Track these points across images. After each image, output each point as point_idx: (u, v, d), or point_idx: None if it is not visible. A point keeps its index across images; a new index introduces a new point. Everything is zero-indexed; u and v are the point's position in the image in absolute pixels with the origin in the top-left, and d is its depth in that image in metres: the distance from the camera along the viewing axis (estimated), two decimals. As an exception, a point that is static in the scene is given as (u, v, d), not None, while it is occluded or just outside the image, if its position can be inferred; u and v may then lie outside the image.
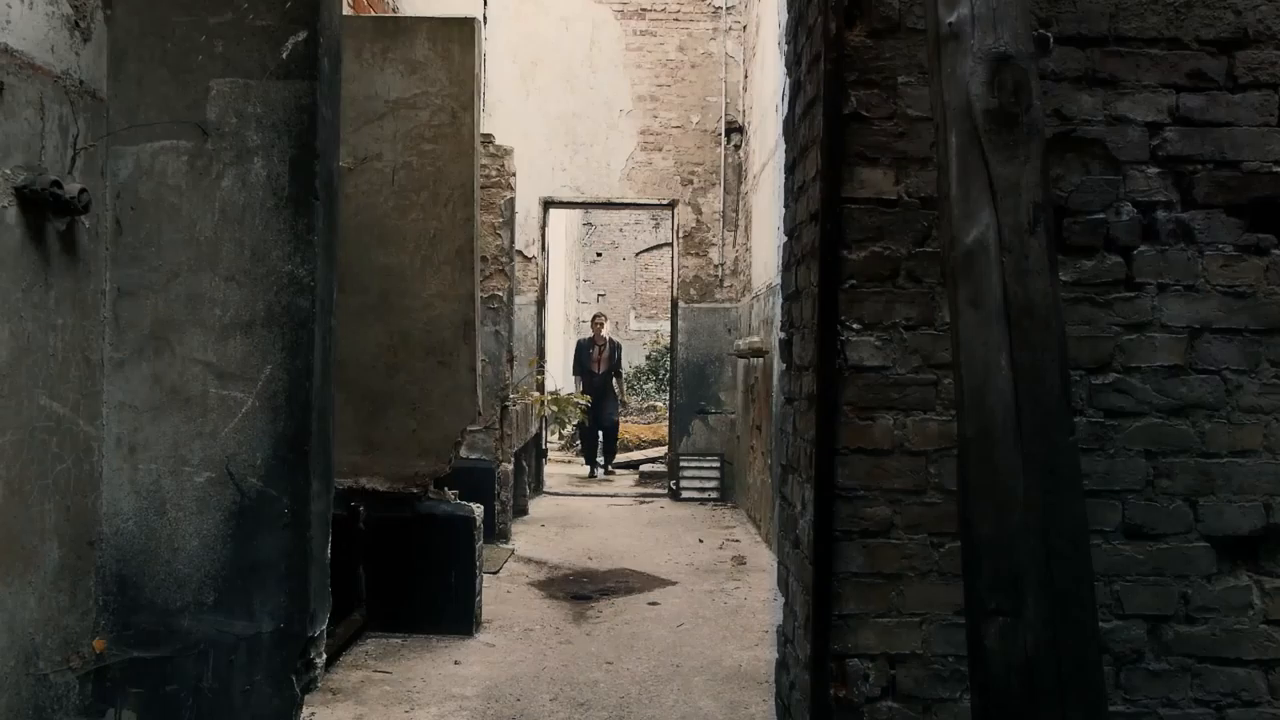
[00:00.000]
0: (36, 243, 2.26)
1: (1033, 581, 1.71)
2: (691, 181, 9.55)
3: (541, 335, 9.63)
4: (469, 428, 4.66)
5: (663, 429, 12.31)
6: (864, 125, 2.54)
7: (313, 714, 3.51)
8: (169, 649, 2.57)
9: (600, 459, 11.16)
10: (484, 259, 6.31)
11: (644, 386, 16.53)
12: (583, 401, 10.54)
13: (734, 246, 9.50)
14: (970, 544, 1.80)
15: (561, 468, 11.68)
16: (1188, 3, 2.54)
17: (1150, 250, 2.54)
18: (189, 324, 2.59)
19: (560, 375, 13.48)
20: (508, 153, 6.83)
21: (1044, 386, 1.76)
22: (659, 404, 14.98)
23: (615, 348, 11.67)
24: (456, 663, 4.21)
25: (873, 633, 2.53)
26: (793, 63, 3.01)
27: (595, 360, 11.38)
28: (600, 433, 11.27)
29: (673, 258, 9.81)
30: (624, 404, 13.00)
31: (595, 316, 11.94)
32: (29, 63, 2.24)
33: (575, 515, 8.39)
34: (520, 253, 8.97)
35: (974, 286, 1.79)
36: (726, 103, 9.48)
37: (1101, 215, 2.54)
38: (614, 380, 11.55)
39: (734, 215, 9.50)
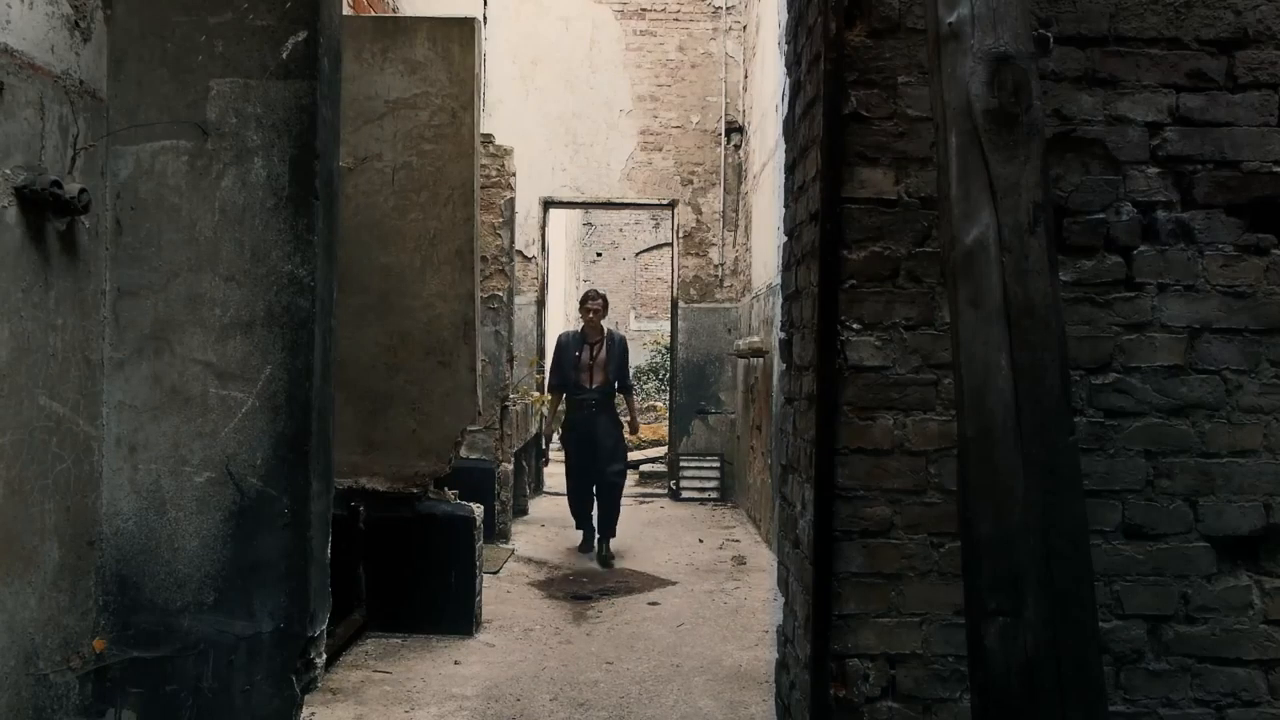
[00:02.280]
0: (36, 243, 2.26)
1: (1033, 581, 1.71)
2: (691, 181, 9.55)
3: (541, 335, 9.63)
4: (469, 428, 4.66)
5: (663, 429, 12.28)
6: (864, 125, 2.54)
7: (313, 714, 3.50)
8: (169, 649, 2.57)
9: (596, 534, 6.67)
10: (484, 259, 6.31)
11: (644, 386, 16.52)
12: (543, 405, 7.11)
13: (734, 246, 9.49)
14: (970, 544, 1.80)
15: (562, 468, 11.64)
16: (1188, 3, 2.54)
17: (1150, 250, 2.54)
18: (189, 324, 2.59)
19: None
20: (508, 153, 6.84)
21: (1044, 386, 1.76)
22: (659, 404, 14.98)
23: (619, 348, 6.89)
24: (456, 663, 4.21)
25: (873, 633, 2.52)
26: (793, 63, 3.00)
27: (586, 367, 6.74)
28: (595, 489, 6.72)
29: (673, 258, 9.81)
30: (636, 439, 8.10)
31: (586, 297, 6.99)
32: (29, 63, 2.23)
33: (575, 515, 8.37)
34: (520, 253, 8.98)
35: (974, 286, 1.79)
36: (726, 103, 9.48)
37: (1101, 215, 2.54)
38: (619, 397, 7.02)
39: (734, 215, 9.50)
